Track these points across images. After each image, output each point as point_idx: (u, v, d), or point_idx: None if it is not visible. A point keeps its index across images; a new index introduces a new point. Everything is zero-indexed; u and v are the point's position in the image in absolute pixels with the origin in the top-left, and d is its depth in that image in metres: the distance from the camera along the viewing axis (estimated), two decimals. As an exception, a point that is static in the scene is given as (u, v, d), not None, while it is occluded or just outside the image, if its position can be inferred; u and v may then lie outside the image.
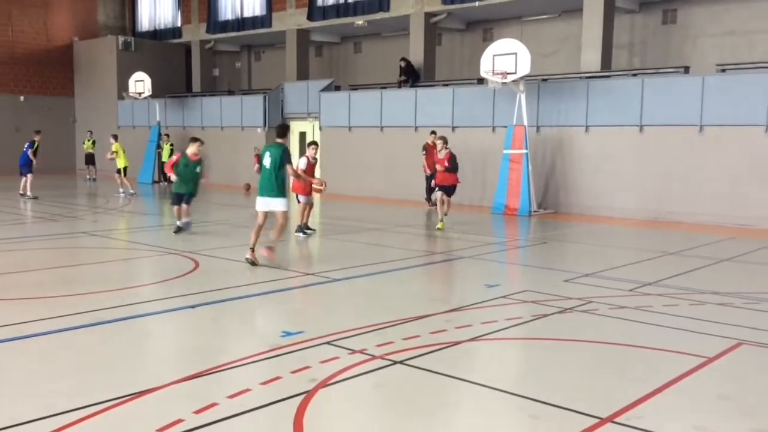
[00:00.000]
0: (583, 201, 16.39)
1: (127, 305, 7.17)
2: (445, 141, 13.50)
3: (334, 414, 4.46)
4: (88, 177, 25.04)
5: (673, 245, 11.81)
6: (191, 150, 12.21)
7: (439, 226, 13.14)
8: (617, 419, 4.24)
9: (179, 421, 4.09)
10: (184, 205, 12.19)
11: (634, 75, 16.36)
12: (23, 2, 28.73)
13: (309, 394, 4.58)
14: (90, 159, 25.76)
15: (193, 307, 7.04)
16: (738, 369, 5.38)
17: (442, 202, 13.33)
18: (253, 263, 9.18)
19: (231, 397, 4.51)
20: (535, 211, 16.13)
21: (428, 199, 17.32)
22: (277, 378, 4.89)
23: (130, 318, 6.69)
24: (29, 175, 18.35)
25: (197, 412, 4.24)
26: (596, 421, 4.21)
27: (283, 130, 9.50)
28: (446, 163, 13.25)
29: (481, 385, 4.90)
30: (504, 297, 7.67)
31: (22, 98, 28.75)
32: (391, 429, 4.26)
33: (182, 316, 6.80)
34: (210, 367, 5.14)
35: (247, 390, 4.65)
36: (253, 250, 9.30)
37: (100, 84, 29.18)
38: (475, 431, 4.22)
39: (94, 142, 26.10)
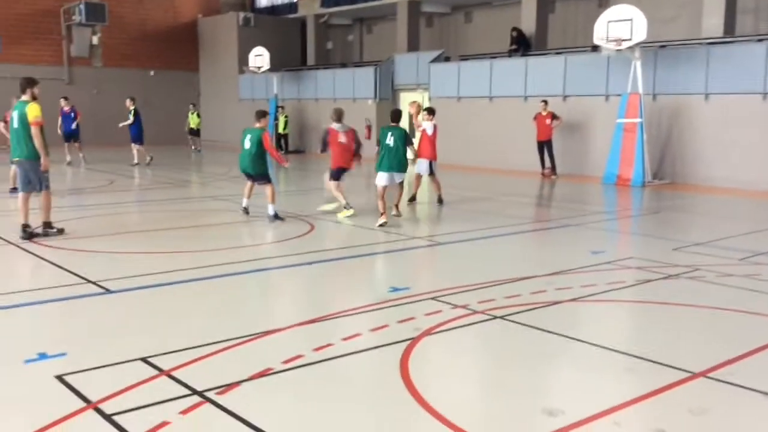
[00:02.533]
0: (702, 171, 15.82)
1: (252, 260, 7.90)
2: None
3: (436, 357, 4.87)
4: (194, 148, 25.91)
5: (795, 217, 11.32)
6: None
7: (330, 207, 11.13)
8: (710, 374, 4.39)
9: (300, 356, 4.63)
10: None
11: (759, 40, 15.51)
12: (153, -18, 30.60)
13: (414, 341, 5.00)
14: (194, 131, 26.30)
15: (309, 263, 7.63)
16: None
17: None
18: (383, 224, 9.96)
19: (345, 339, 5.00)
20: (649, 182, 15.76)
21: (543, 168, 17.49)
22: (385, 326, 5.35)
23: (256, 271, 7.40)
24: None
25: (315, 350, 4.76)
26: (688, 375, 4.38)
27: (398, 116, 10.65)
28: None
29: (577, 339, 5.14)
30: (608, 263, 7.77)
31: (151, 73, 30.70)
32: (490, 372, 4.63)
33: (300, 271, 7.40)
34: (325, 314, 5.68)
35: (358, 334, 5.13)
36: (384, 213, 10.10)
37: (222, 59, 30.67)
38: (570, 380, 4.51)
39: (198, 114, 26.59)
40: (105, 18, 27.66)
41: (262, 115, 10.61)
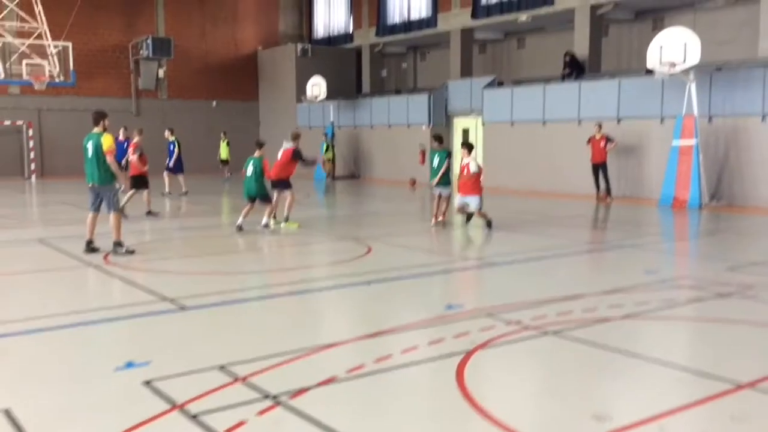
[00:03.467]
0: (761, 193, 15.62)
1: (314, 280, 8.34)
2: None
3: (491, 368, 5.16)
4: (227, 176, 25.82)
5: None
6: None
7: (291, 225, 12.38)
8: (756, 386, 4.55)
9: (362, 366, 4.99)
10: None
11: (819, 59, 15.35)
12: (215, 17, 31.94)
13: (469, 353, 5.30)
14: (223, 160, 26.26)
15: (368, 283, 8.01)
16: None
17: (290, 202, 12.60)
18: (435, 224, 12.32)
19: (403, 352, 5.34)
20: (706, 204, 15.65)
21: (598, 191, 17.53)
22: (442, 340, 5.66)
23: (318, 290, 7.82)
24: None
25: (376, 361, 5.11)
26: (734, 386, 4.55)
27: (441, 139, 12.94)
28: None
29: (627, 353, 5.35)
30: (661, 282, 7.90)
31: (214, 103, 31.94)
32: (541, 382, 4.89)
33: (360, 290, 7.78)
34: (385, 329, 6.03)
35: (416, 347, 5.46)
36: (435, 216, 12.51)
37: (281, 89, 31.67)
38: (619, 389, 4.73)
39: (228, 143, 26.12)
40: (171, 52, 29.01)
41: (260, 145, 12.33)
